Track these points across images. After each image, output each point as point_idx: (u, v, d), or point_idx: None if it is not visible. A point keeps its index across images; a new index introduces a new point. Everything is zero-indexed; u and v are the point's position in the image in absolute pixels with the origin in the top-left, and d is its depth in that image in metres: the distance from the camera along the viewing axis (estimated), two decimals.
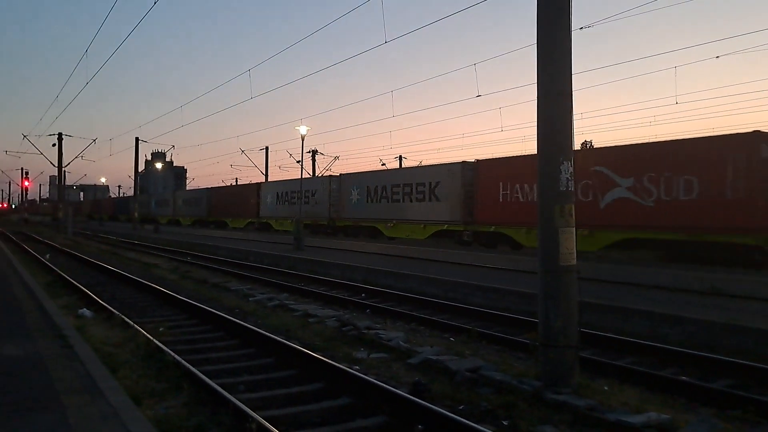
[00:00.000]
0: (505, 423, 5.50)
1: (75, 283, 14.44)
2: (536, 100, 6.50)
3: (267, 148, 56.06)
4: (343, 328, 9.40)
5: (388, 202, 27.54)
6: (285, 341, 8.06)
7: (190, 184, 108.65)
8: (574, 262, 6.35)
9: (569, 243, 6.33)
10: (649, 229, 16.56)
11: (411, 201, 26.08)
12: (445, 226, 24.17)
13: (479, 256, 19.89)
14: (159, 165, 73.61)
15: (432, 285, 13.71)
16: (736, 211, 14.62)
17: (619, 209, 17.29)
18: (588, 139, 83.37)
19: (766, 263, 14.10)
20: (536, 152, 6.52)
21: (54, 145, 45.57)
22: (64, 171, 49.44)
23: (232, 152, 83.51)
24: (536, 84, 6.49)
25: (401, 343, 8.33)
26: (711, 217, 15.08)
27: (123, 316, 9.91)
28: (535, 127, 6.49)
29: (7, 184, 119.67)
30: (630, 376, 7.06)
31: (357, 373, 6.57)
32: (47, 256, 22.77)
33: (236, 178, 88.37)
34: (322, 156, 54.78)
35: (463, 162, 23.92)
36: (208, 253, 25.36)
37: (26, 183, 74.17)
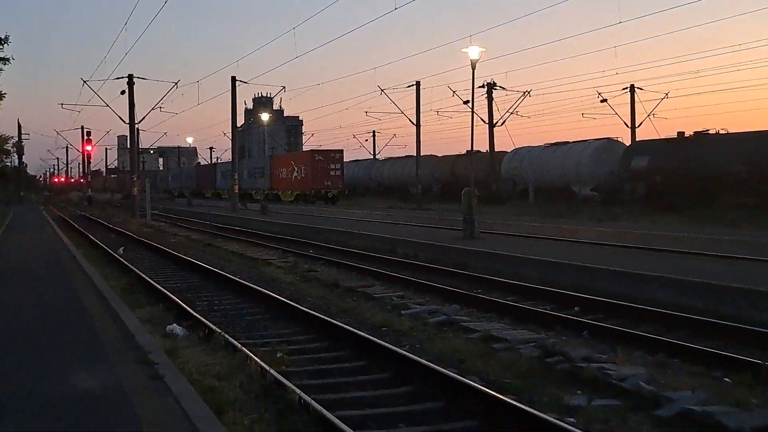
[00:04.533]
0: None
1: (159, 287, 15.68)
2: None
3: (418, 85, 56.93)
4: (548, 360, 9.37)
5: (254, 178, 76.21)
6: (458, 377, 8.19)
7: (308, 142, 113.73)
8: None
9: None
10: (300, 189, 69.37)
11: (259, 177, 75.82)
12: (266, 192, 72.13)
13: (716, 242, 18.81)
14: (265, 116, 76.89)
15: (692, 294, 13.25)
16: (310, 182, 66.53)
17: (299, 181, 69.85)
18: None
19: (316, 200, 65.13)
20: None
21: (123, 92, 48.81)
22: (138, 128, 53.63)
23: (367, 92, 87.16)
24: None
25: (642, 383, 8.13)
26: (309, 184, 66.78)
27: (226, 335, 10.56)
28: None
29: (65, 150, 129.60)
30: None
31: (575, 429, 6.51)
32: (121, 250, 25.00)
33: (373, 132, 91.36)
34: (504, 92, 53.96)
35: (271, 155, 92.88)
36: (338, 243, 26.53)
37: (88, 147, 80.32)
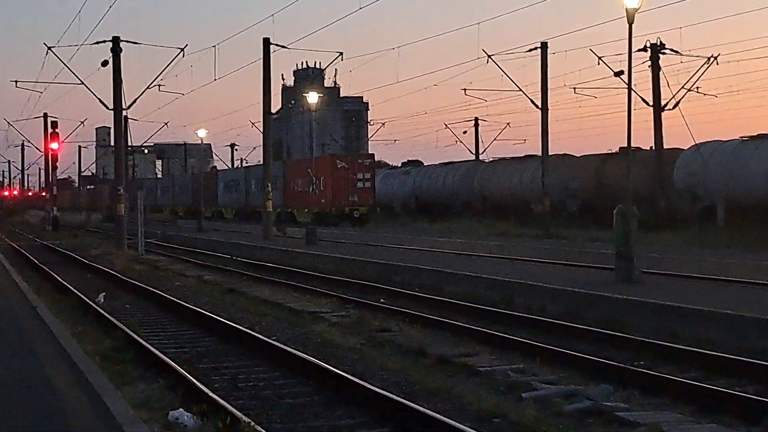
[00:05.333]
0: None
1: (158, 353, 15.78)
2: None
3: (544, 48, 56.57)
4: None
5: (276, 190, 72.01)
6: None
7: (375, 136, 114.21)
8: None
9: None
10: (318, 206, 78.71)
11: (271, 190, 67.97)
12: (278, 210, 75.26)
13: None
14: (312, 97, 76.77)
15: None
16: (330, 197, 77.28)
17: (318, 196, 78.86)
18: None
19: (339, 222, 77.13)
20: None
21: (105, 63, 49.60)
22: (127, 116, 54.28)
23: (467, 60, 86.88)
24: None
25: None
26: (329, 200, 77.48)
27: (258, 427, 10.53)
28: None
29: (19, 149, 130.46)
30: None
31: None
32: (101, 297, 25.38)
33: (475, 120, 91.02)
34: (677, 58, 53.04)
35: (285, 161, 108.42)
36: (423, 288, 26.84)
37: (54, 145, 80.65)
